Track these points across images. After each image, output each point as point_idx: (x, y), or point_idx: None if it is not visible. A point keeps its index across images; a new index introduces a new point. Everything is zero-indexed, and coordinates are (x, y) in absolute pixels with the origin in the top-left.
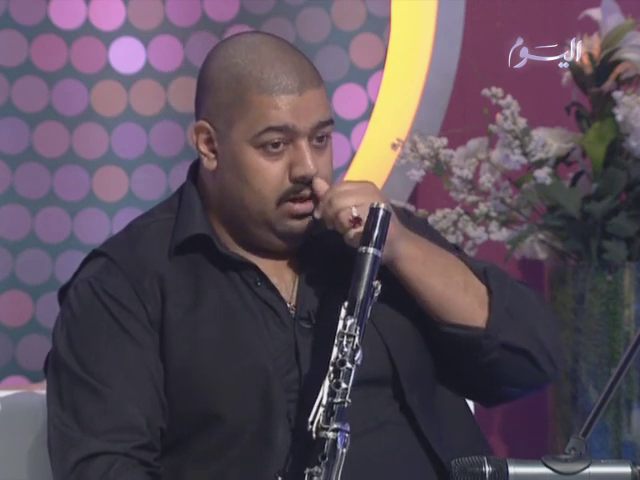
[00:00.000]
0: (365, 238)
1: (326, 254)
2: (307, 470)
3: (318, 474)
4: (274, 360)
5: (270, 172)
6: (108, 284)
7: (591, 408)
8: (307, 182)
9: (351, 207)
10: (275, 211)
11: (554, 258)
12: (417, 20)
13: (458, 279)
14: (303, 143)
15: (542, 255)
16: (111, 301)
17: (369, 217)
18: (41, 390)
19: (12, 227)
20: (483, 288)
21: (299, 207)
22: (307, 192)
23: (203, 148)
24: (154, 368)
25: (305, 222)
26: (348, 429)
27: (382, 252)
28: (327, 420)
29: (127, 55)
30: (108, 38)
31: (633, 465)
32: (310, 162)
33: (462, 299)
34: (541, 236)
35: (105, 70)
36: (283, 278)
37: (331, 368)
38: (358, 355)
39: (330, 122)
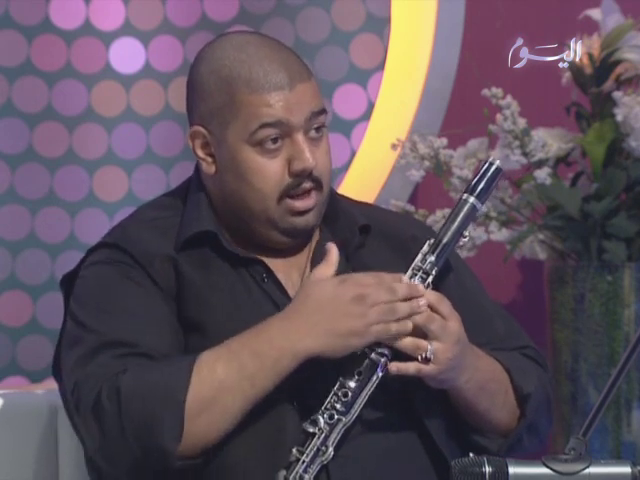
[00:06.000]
0: (470, 187)
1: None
2: (340, 379)
3: (350, 388)
4: None
5: (269, 169)
6: (120, 259)
7: (591, 408)
8: (307, 175)
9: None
10: (277, 208)
11: (554, 258)
12: (417, 20)
13: (500, 400)
14: (299, 137)
15: (542, 255)
16: (125, 268)
17: (481, 168)
18: (41, 390)
19: (12, 227)
20: (517, 409)
21: (300, 204)
22: (307, 185)
23: (200, 153)
24: (172, 321)
25: (308, 218)
26: (390, 356)
27: (482, 205)
28: (375, 343)
29: (127, 55)
30: (108, 38)
31: (633, 465)
32: (308, 155)
33: (497, 417)
34: (541, 236)
35: (105, 70)
36: (290, 275)
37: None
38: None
39: (323, 111)
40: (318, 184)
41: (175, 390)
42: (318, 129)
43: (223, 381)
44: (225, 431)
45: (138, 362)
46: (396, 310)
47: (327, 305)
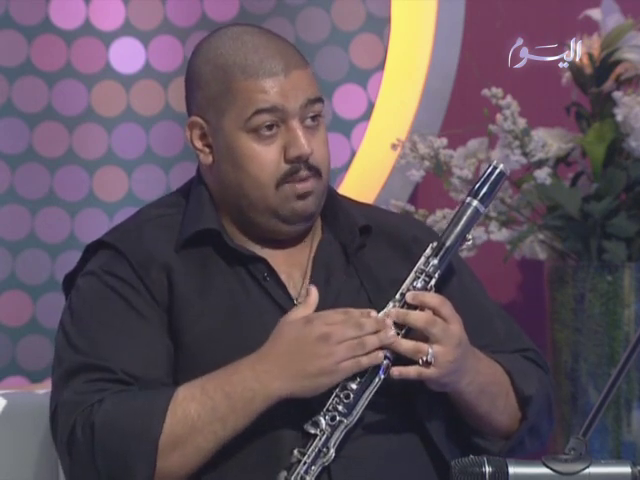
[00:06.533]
0: (473, 190)
1: (338, 255)
2: (342, 382)
3: (352, 389)
4: None
5: (265, 157)
6: (116, 270)
7: (591, 408)
8: (303, 162)
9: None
10: (276, 195)
11: (554, 258)
12: (417, 20)
13: (501, 403)
14: (294, 123)
15: (542, 255)
16: (120, 283)
17: (485, 171)
18: (41, 390)
19: (12, 227)
20: (518, 411)
21: (301, 186)
22: (304, 173)
23: (198, 144)
24: (162, 342)
25: (307, 202)
26: (392, 359)
27: (485, 209)
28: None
29: (127, 55)
30: (108, 38)
31: (633, 465)
32: (304, 141)
33: (498, 419)
34: (541, 236)
35: (105, 70)
36: (292, 275)
37: (398, 296)
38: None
39: (319, 100)
40: (316, 172)
41: (149, 430)
42: (314, 118)
43: (196, 422)
44: (196, 467)
45: (116, 389)
46: (365, 344)
47: (294, 346)
